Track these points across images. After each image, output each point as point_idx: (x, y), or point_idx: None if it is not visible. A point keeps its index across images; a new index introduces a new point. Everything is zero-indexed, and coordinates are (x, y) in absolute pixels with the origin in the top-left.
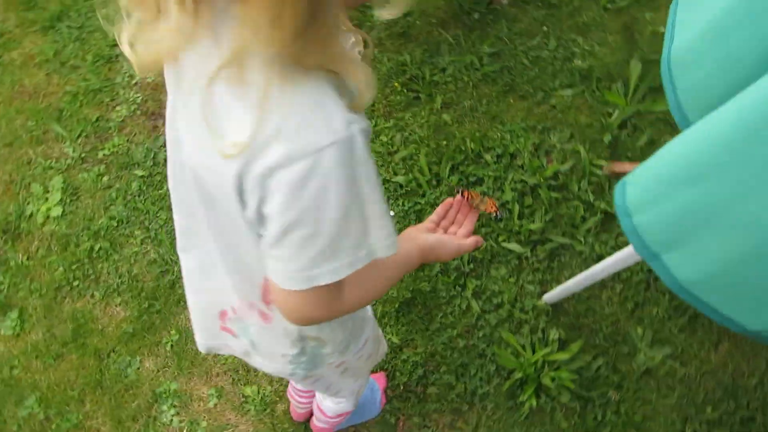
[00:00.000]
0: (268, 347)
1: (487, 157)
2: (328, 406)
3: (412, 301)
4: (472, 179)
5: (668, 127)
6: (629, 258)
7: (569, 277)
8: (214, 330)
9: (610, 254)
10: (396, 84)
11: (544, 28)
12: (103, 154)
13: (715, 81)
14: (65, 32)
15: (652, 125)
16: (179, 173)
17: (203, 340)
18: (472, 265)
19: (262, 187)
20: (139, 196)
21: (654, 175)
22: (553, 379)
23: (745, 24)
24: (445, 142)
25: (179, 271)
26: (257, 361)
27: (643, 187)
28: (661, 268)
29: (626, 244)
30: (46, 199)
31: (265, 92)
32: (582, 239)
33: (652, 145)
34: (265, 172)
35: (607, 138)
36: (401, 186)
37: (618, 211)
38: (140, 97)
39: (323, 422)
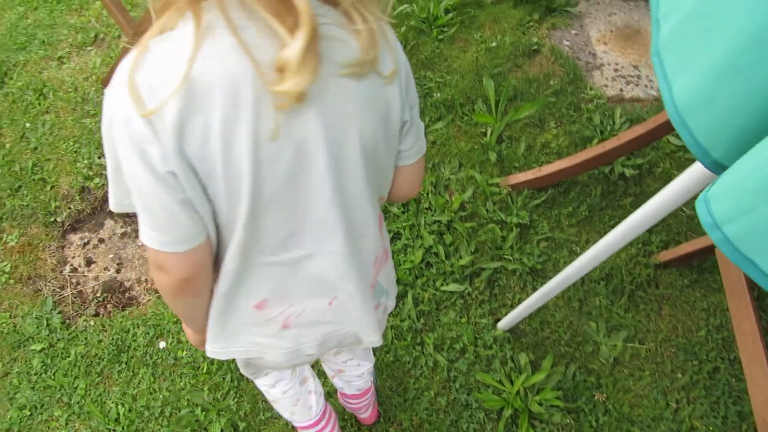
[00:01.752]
0: (393, 282)
1: (394, 209)
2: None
3: (380, 376)
4: (390, 235)
5: (536, 129)
6: (571, 277)
7: (513, 299)
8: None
9: (539, 264)
10: None
11: None
12: None
13: (733, 117)
14: None
15: (523, 132)
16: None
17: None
18: (422, 320)
19: (406, 80)
20: (45, 372)
21: (739, 188)
22: (540, 403)
23: (760, 63)
24: None
25: None
26: (387, 306)
27: (729, 201)
28: (758, 273)
29: (551, 250)
30: None
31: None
32: (510, 257)
33: (531, 150)
34: (406, 68)
35: (493, 157)
36: None
37: (707, 227)
38: (8, 265)
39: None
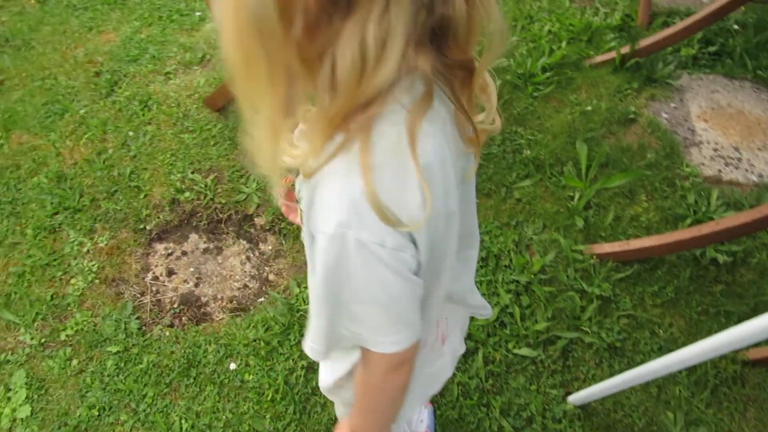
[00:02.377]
0: None
1: None
2: None
3: None
4: None
5: (626, 200)
6: (665, 369)
7: (587, 373)
8: None
9: (618, 342)
10: None
11: None
12: (67, 335)
13: None
14: None
15: (612, 201)
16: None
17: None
18: (490, 381)
19: None
20: (117, 375)
21: None
22: None
23: None
24: None
25: None
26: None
27: None
28: None
29: (631, 328)
30: (9, 399)
31: None
32: (588, 330)
33: (619, 221)
34: None
35: (579, 222)
36: None
37: None
38: (96, 265)
39: None
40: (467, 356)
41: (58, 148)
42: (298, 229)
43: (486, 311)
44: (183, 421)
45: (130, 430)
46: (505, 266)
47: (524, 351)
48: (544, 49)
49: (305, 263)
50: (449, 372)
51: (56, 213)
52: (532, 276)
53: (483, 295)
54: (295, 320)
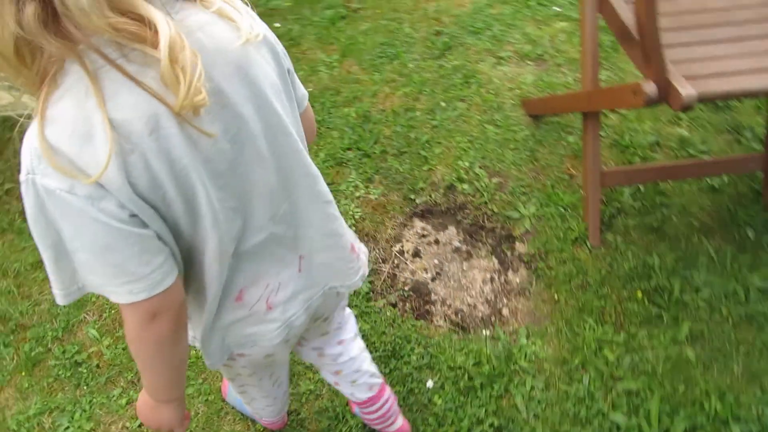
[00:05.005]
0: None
1: (736, 430)
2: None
3: None
4: None
5: None
6: None
7: None
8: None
9: None
10: (638, 291)
11: None
12: None
13: None
14: None
15: None
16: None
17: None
18: None
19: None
20: None
21: None
22: None
23: None
24: (683, 388)
25: None
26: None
27: None
28: None
29: None
30: None
31: None
32: None
33: None
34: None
35: None
36: (618, 427)
37: None
38: (359, 213)
39: None
40: None
41: (376, 90)
42: (554, 275)
43: (349, 281)
44: None
45: None
46: None
47: None
48: None
49: (544, 316)
50: (275, 341)
51: (349, 149)
52: None
53: None
54: (507, 372)
